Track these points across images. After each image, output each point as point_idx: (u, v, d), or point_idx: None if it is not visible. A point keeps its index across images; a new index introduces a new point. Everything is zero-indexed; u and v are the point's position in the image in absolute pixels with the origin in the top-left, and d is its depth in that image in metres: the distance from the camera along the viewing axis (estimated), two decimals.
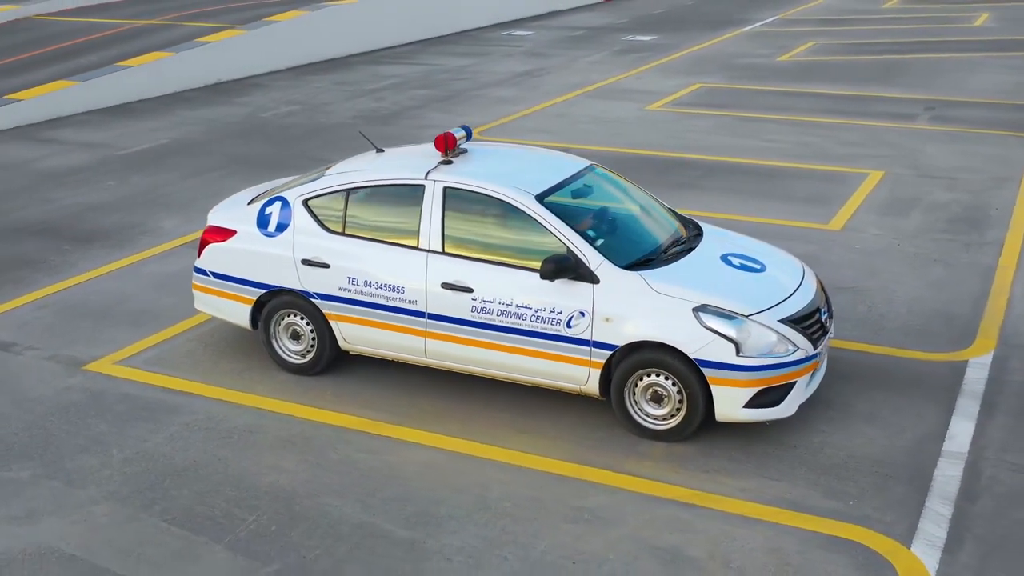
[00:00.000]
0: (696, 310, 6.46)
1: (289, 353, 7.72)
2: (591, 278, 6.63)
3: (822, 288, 7.30)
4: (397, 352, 7.35)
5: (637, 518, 5.91)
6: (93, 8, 26.48)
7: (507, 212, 6.95)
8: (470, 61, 22.71)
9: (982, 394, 7.28)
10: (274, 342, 7.74)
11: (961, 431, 6.79)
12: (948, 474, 6.29)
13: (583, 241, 6.73)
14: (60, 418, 7.15)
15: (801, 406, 6.94)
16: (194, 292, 8.05)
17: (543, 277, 6.61)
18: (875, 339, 8.20)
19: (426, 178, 7.19)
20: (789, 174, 12.99)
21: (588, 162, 7.87)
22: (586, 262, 6.65)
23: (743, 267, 7.01)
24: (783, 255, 7.48)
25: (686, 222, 7.71)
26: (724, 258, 7.07)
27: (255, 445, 6.77)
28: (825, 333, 6.90)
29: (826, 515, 5.91)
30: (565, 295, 6.67)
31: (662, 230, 7.41)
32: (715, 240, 7.37)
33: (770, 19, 29.60)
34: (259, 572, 5.49)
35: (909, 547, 5.61)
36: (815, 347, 6.66)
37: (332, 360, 7.64)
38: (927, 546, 5.61)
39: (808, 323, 6.71)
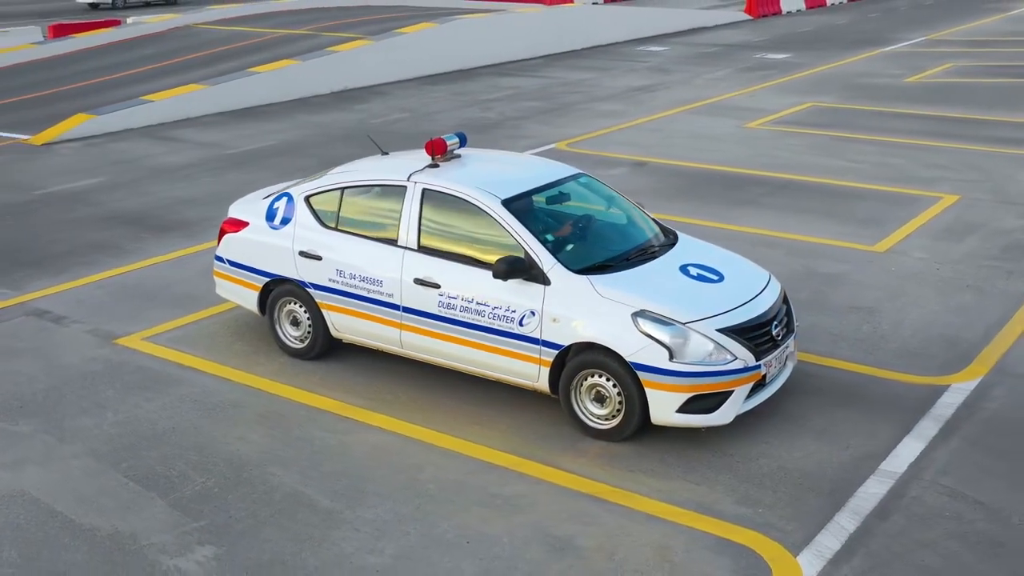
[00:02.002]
0: (635, 315, 6.69)
1: (289, 338, 8.31)
2: (543, 280, 6.95)
3: (785, 302, 7.38)
4: (378, 342, 7.83)
5: (547, 508, 6.20)
6: (246, 18, 28.17)
7: (475, 214, 7.34)
8: (592, 75, 23.08)
9: (948, 418, 7.20)
10: (277, 327, 8.35)
11: (906, 452, 6.76)
12: (872, 491, 6.31)
13: (539, 244, 7.06)
14: (77, 383, 7.95)
15: (755, 416, 7.08)
16: (214, 278, 8.76)
17: (495, 276, 6.97)
18: (864, 359, 8.16)
19: (408, 179, 7.66)
20: (859, 195, 12.83)
21: (575, 171, 8.17)
22: (539, 264, 6.97)
23: (699, 277, 7.18)
24: (752, 269, 7.58)
25: (667, 232, 7.91)
26: (683, 268, 7.25)
27: (232, 418, 7.37)
28: (776, 346, 6.99)
29: (729, 519, 6.05)
30: (520, 295, 7.01)
31: (632, 238, 7.64)
32: (683, 250, 7.54)
33: (918, 39, 28.77)
34: (187, 526, 6.06)
35: (796, 556, 5.70)
36: (758, 359, 6.77)
37: (327, 347, 8.18)
38: (813, 556, 5.69)
39: (754, 335, 6.83)
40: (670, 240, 7.74)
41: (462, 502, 6.27)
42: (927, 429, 7.05)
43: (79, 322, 9.15)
